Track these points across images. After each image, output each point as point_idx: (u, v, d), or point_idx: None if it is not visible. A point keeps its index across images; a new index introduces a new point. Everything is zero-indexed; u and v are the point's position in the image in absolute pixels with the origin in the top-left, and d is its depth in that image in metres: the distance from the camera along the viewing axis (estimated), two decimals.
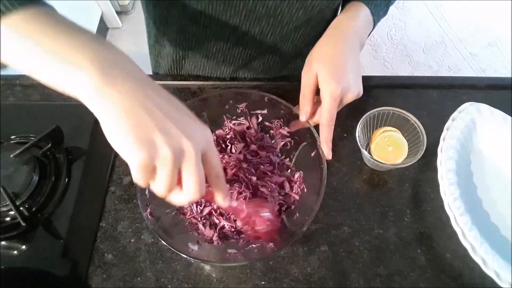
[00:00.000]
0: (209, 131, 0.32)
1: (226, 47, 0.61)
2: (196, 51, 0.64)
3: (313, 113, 0.49)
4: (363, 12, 0.52)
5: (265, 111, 0.55)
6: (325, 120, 0.46)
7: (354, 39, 0.50)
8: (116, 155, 0.59)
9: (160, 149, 0.28)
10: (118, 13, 1.96)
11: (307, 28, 0.59)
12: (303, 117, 0.49)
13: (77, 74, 0.27)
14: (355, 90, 0.48)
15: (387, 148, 0.55)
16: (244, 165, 0.53)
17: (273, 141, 0.57)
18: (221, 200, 0.37)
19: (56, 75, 0.29)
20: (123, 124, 0.28)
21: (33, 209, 0.52)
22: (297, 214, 0.50)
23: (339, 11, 0.62)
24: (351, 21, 0.51)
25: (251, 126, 0.56)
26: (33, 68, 0.29)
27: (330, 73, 0.46)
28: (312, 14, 0.55)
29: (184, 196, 0.31)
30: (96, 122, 0.61)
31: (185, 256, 0.42)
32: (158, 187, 0.30)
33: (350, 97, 0.48)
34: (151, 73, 0.76)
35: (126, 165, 0.60)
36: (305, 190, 0.52)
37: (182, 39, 0.63)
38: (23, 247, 0.51)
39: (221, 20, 0.55)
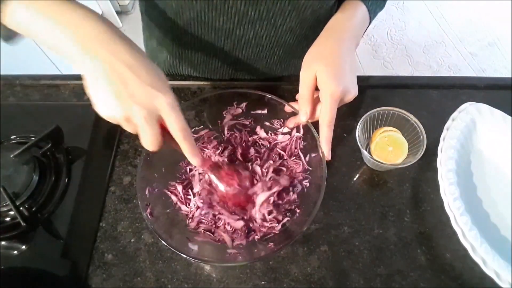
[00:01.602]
0: (163, 98, 0.36)
1: (222, 52, 0.61)
2: (193, 57, 0.64)
3: (312, 112, 0.49)
4: (360, 10, 0.52)
5: (265, 111, 0.55)
6: (326, 120, 0.46)
7: (351, 39, 0.50)
8: (116, 155, 0.59)
9: (115, 114, 0.36)
10: (118, 13, 1.96)
11: (302, 30, 0.59)
12: (303, 118, 0.49)
13: (68, 44, 0.35)
14: (354, 90, 0.48)
15: (387, 148, 0.55)
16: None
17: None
18: (189, 157, 0.40)
19: (54, 41, 0.35)
20: (93, 85, 0.36)
21: (33, 209, 0.52)
22: (297, 214, 0.50)
23: (335, 8, 0.61)
24: (348, 20, 0.51)
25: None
26: (39, 35, 0.35)
27: (331, 74, 0.46)
28: (305, 15, 0.55)
29: (145, 145, 0.38)
30: (96, 122, 0.61)
31: (185, 256, 0.42)
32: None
33: (349, 97, 0.48)
34: None
35: (126, 165, 0.61)
36: (305, 190, 0.52)
37: (178, 45, 0.63)
38: (23, 247, 0.51)
39: (214, 27, 0.55)
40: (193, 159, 0.40)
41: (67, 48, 0.35)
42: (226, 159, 0.54)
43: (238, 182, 0.47)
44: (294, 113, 0.51)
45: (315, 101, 0.49)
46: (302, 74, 0.49)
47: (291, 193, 0.52)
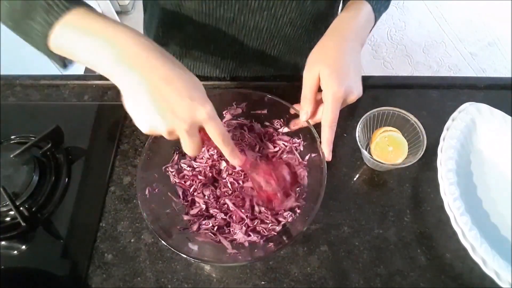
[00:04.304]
0: (203, 109, 0.37)
1: (223, 44, 0.61)
2: (194, 50, 0.64)
3: (314, 113, 0.49)
4: (365, 10, 0.51)
5: (265, 111, 0.55)
6: (328, 121, 0.46)
7: (356, 39, 0.50)
8: (116, 155, 0.59)
9: (158, 129, 0.37)
10: (118, 13, 1.96)
11: (303, 22, 0.59)
12: (303, 117, 0.49)
13: (107, 60, 0.36)
14: (357, 91, 0.48)
15: (387, 148, 0.55)
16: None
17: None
18: (230, 159, 0.43)
19: (93, 57, 0.36)
20: (133, 101, 0.37)
21: (33, 209, 0.52)
22: (297, 214, 0.50)
23: (340, 7, 0.62)
24: (353, 20, 0.50)
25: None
26: (80, 52, 0.37)
27: (333, 74, 0.45)
28: (305, 6, 0.55)
29: (187, 152, 0.40)
30: (96, 122, 0.61)
31: (185, 256, 0.42)
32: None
33: (352, 98, 0.48)
34: None
35: (126, 165, 0.61)
36: (306, 189, 0.52)
37: (179, 38, 0.63)
38: (23, 247, 0.51)
39: (215, 18, 0.56)
40: (234, 160, 0.43)
41: (106, 64, 0.36)
42: (259, 156, 0.55)
43: (276, 180, 0.48)
44: (297, 115, 0.51)
45: (318, 102, 0.49)
46: (305, 74, 0.48)
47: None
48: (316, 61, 0.48)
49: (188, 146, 0.39)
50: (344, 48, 0.48)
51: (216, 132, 0.39)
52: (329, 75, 0.45)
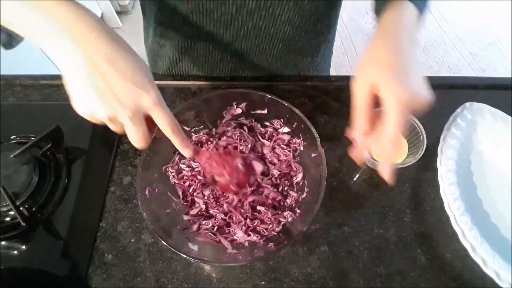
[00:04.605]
0: (147, 95, 0.35)
1: (222, 44, 0.61)
2: (193, 51, 0.64)
3: (369, 130, 0.42)
4: (410, 9, 0.45)
5: (265, 111, 0.55)
6: (391, 134, 0.39)
7: (409, 38, 0.43)
8: (116, 155, 0.59)
9: (98, 114, 0.35)
10: (118, 13, 1.97)
11: (302, 22, 0.59)
12: (359, 136, 0.42)
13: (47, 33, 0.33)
14: (425, 94, 0.40)
15: None
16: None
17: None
18: (180, 150, 0.40)
19: (36, 30, 0.33)
20: (72, 81, 0.34)
21: (33, 209, 0.52)
22: (297, 214, 0.50)
23: (339, 4, 0.61)
24: (401, 19, 0.44)
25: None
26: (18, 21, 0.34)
27: (393, 76, 0.39)
28: (303, 5, 0.55)
29: (133, 143, 0.37)
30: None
31: (185, 256, 0.42)
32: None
33: (421, 103, 0.40)
34: None
35: (126, 165, 0.60)
36: (306, 189, 0.52)
37: (178, 39, 0.63)
38: (23, 247, 0.51)
39: (213, 19, 0.56)
40: (184, 151, 0.40)
41: (46, 38, 0.33)
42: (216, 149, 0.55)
43: (229, 171, 0.48)
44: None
45: (373, 116, 0.42)
46: (357, 84, 0.42)
47: (293, 192, 0.53)
48: (368, 66, 0.42)
49: (133, 136, 0.36)
50: (399, 48, 0.41)
51: (164, 121, 0.36)
52: (389, 79, 0.39)
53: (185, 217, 0.51)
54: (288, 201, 0.52)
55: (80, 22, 0.33)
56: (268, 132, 0.57)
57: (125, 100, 0.34)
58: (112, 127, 0.37)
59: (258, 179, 0.53)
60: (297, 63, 0.69)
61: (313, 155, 0.51)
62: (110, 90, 0.33)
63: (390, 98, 0.38)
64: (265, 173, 0.54)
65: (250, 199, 0.51)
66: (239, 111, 0.56)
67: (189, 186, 0.53)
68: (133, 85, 0.34)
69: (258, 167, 0.52)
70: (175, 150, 0.54)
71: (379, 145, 0.40)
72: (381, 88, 0.39)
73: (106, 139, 0.60)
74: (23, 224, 0.49)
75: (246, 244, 0.48)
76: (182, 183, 0.53)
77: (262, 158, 0.55)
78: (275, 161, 0.55)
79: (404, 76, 0.39)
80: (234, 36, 0.59)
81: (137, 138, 0.36)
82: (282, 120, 0.55)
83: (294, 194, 0.52)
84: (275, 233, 0.49)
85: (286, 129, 0.56)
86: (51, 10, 0.32)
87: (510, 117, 0.58)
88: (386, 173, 0.42)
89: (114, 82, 0.33)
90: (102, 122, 0.36)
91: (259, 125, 0.57)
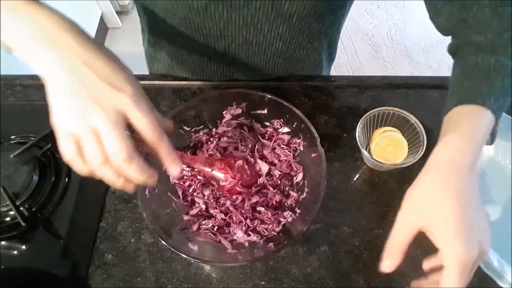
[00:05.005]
0: (122, 95, 0.31)
1: (216, 56, 0.60)
2: (188, 60, 0.64)
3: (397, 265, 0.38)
4: (484, 119, 0.38)
5: (265, 111, 0.55)
6: None
7: (473, 169, 0.37)
8: None
9: (75, 129, 0.30)
10: (118, 13, 1.96)
11: (293, 37, 0.57)
12: (386, 269, 0.38)
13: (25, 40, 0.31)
14: (487, 245, 0.36)
15: (387, 148, 0.55)
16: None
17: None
18: (168, 165, 0.35)
19: (14, 33, 0.31)
20: (52, 90, 0.31)
21: (33, 209, 0.52)
22: (297, 214, 0.50)
23: (330, 18, 0.58)
24: (470, 146, 0.37)
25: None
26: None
27: (454, 230, 0.34)
28: (291, 22, 0.53)
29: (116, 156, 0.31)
30: None
31: (185, 256, 0.42)
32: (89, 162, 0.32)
33: (483, 258, 0.36)
34: (147, 73, 0.76)
35: None
36: (306, 189, 0.52)
37: (172, 49, 0.63)
38: (23, 247, 0.51)
39: (203, 33, 0.55)
40: (171, 165, 0.35)
41: (23, 41, 0.31)
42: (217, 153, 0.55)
43: (232, 174, 0.49)
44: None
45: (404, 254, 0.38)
46: (402, 218, 0.38)
47: (293, 191, 0.53)
48: (420, 206, 0.37)
49: (112, 146, 0.30)
50: (461, 188, 0.35)
51: (143, 123, 0.31)
52: (449, 233, 0.34)
53: (185, 217, 0.51)
54: (288, 201, 0.52)
55: (56, 27, 0.31)
56: (268, 132, 0.57)
57: (102, 100, 0.30)
58: (94, 149, 0.31)
59: (264, 180, 0.53)
60: (296, 70, 0.67)
61: (313, 155, 0.51)
62: (86, 92, 0.30)
63: (449, 255, 0.34)
64: (268, 174, 0.54)
65: (254, 200, 0.51)
66: (239, 111, 0.56)
67: (189, 186, 0.53)
68: (108, 85, 0.30)
69: (264, 167, 0.53)
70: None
71: None
72: (438, 240, 0.35)
73: None
74: (23, 224, 0.49)
75: (246, 244, 0.48)
76: (182, 183, 0.53)
77: (262, 159, 0.55)
78: (276, 161, 0.55)
79: (467, 230, 0.34)
80: (226, 49, 0.58)
81: (115, 148, 0.30)
82: (282, 120, 0.55)
83: (294, 194, 0.52)
84: (275, 233, 0.49)
85: (286, 129, 0.56)
86: (31, 16, 0.31)
87: (510, 117, 0.58)
88: None
89: (89, 82, 0.30)
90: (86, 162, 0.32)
91: (259, 125, 0.57)
